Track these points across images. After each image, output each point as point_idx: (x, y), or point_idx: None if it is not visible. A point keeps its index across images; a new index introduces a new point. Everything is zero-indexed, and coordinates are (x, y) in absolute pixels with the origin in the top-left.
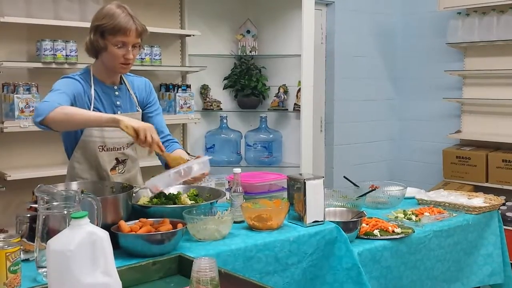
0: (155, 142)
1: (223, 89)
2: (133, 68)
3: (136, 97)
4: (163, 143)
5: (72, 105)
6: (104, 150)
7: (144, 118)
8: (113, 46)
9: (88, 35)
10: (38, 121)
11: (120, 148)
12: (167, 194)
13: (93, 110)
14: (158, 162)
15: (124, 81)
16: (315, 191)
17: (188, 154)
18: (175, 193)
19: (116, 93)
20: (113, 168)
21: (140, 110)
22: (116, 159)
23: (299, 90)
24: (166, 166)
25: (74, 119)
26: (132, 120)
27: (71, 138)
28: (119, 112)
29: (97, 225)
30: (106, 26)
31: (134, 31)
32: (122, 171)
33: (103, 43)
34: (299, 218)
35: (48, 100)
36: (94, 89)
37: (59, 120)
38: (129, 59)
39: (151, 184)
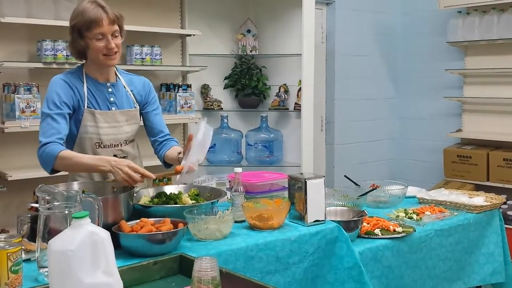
0: (139, 177)
1: (224, 88)
2: (134, 68)
3: (134, 94)
4: (161, 142)
5: (70, 115)
6: (101, 147)
7: (144, 118)
8: (92, 41)
9: (69, 38)
10: (48, 172)
11: (118, 144)
12: (168, 193)
13: (87, 108)
14: (157, 163)
15: (119, 78)
16: (316, 190)
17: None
18: (176, 192)
19: (109, 89)
20: None
21: (138, 107)
22: (115, 156)
23: (299, 90)
24: (166, 165)
25: (74, 169)
26: (116, 171)
27: (70, 136)
28: (113, 109)
29: (98, 225)
30: (79, 24)
31: (106, 19)
32: None
33: (83, 41)
34: (300, 218)
35: (46, 142)
36: (87, 87)
37: (63, 168)
38: (111, 48)
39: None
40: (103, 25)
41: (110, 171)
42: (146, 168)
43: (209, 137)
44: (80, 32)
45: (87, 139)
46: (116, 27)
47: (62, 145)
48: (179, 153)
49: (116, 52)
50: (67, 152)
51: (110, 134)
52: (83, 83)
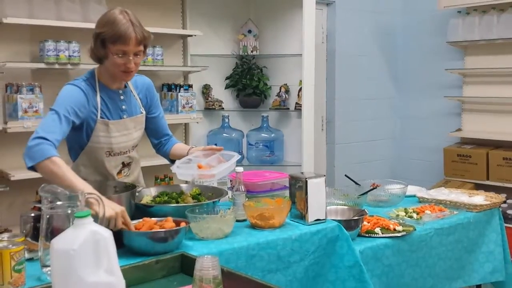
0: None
1: (225, 88)
2: None
3: (140, 98)
4: (165, 143)
5: (73, 124)
6: (111, 155)
7: (149, 122)
8: (113, 55)
9: (91, 40)
10: (27, 165)
11: (126, 151)
12: (170, 193)
13: (100, 118)
14: (158, 162)
15: (127, 84)
16: (316, 189)
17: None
18: (178, 192)
19: (121, 97)
20: (119, 172)
21: (144, 112)
22: (122, 162)
23: (300, 89)
24: (171, 161)
25: (56, 181)
26: (106, 209)
27: (75, 142)
28: (125, 117)
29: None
30: (105, 35)
31: (134, 39)
32: (127, 174)
33: (104, 52)
34: (301, 217)
35: (44, 137)
36: (100, 96)
37: (45, 174)
38: (130, 67)
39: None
40: (128, 44)
41: (93, 203)
42: (144, 168)
43: (228, 171)
44: (104, 42)
45: (99, 149)
46: (141, 48)
47: (56, 149)
48: (192, 147)
49: (133, 71)
50: (59, 160)
51: (121, 142)
52: (96, 92)
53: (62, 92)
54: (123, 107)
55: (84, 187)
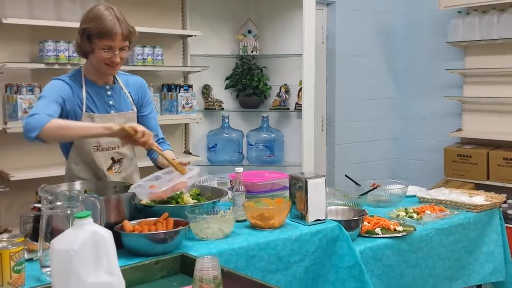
0: (149, 142)
1: (225, 89)
2: (135, 68)
3: (131, 96)
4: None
5: (62, 109)
6: (99, 150)
7: (140, 121)
8: (99, 50)
9: (76, 35)
10: (33, 136)
11: (115, 147)
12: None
13: (85, 111)
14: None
15: (117, 80)
16: (316, 190)
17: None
18: (178, 192)
19: (109, 92)
20: (109, 168)
21: (135, 109)
22: (112, 158)
23: (300, 90)
24: (158, 168)
25: (68, 133)
26: (133, 125)
27: None
28: (112, 112)
29: (100, 225)
30: (92, 30)
31: (120, 34)
32: (119, 171)
33: (90, 46)
34: (301, 217)
35: (37, 112)
36: (86, 90)
37: (53, 135)
38: (115, 62)
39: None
40: (115, 40)
41: (116, 130)
42: (142, 168)
43: (190, 184)
44: (90, 37)
45: (86, 143)
46: (126, 43)
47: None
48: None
49: (118, 64)
50: (58, 119)
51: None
52: (82, 87)
53: (47, 85)
54: (110, 102)
55: (96, 124)
